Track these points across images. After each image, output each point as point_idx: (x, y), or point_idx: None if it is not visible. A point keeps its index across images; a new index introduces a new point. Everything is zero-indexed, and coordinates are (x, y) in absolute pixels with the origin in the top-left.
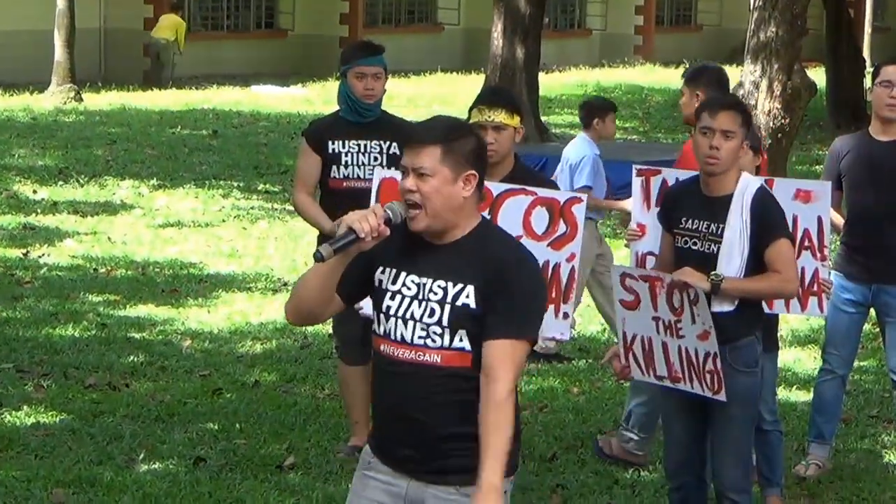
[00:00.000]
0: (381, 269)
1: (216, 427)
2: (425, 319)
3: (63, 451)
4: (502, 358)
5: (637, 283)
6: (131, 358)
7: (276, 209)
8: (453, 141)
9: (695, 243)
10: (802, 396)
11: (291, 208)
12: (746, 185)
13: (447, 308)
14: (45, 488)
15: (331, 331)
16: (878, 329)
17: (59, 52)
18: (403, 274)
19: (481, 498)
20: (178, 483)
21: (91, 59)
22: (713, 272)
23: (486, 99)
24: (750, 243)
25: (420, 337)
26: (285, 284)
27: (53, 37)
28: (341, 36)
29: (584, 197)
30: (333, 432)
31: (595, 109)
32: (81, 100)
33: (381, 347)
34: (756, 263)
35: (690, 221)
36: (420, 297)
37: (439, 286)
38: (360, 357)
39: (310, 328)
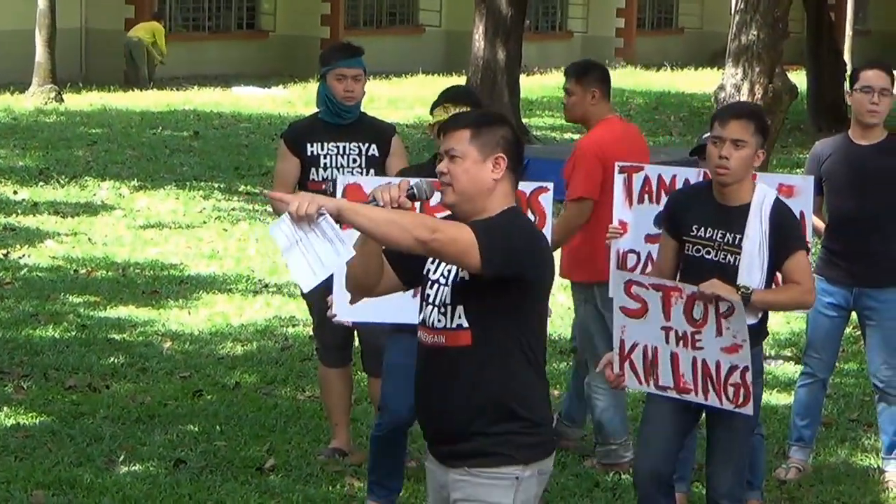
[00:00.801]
0: (430, 258)
1: (196, 429)
2: (440, 302)
3: (43, 452)
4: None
5: (646, 291)
6: (111, 359)
7: (257, 210)
8: (482, 126)
9: (708, 252)
10: (783, 400)
11: (272, 210)
12: (764, 196)
13: (450, 286)
14: (25, 490)
15: (311, 333)
16: (858, 332)
17: (40, 53)
18: (443, 264)
19: None
20: (158, 485)
21: (72, 59)
22: (742, 285)
23: (451, 97)
24: (769, 254)
25: (436, 320)
26: (266, 286)
27: (34, 37)
28: (322, 37)
29: (549, 186)
30: (314, 434)
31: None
32: (62, 100)
33: (418, 334)
34: (771, 274)
35: (703, 230)
36: (446, 283)
37: (454, 268)
38: (340, 360)
39: (290, 329)
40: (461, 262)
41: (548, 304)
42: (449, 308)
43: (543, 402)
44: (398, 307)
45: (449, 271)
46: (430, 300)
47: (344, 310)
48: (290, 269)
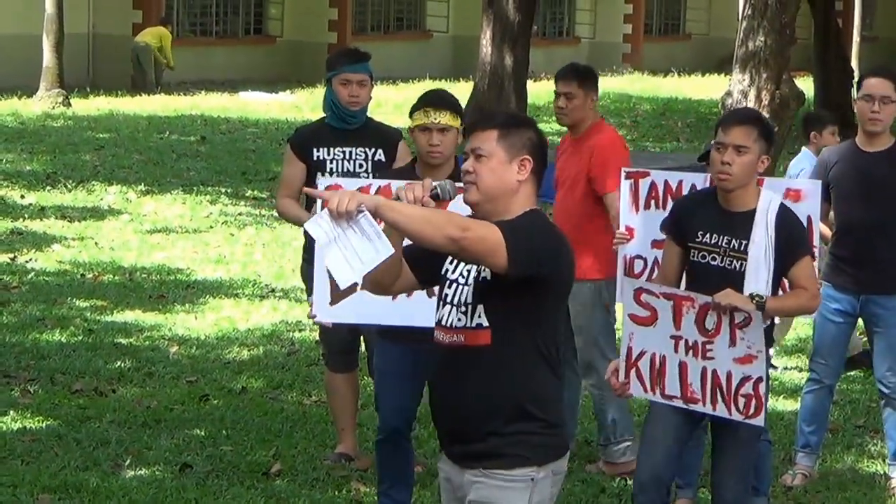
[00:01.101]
0: (449, 258)
1: (203, 433)
2: (459, 302)
3: (49, 456)
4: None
5: (657, 299)
6: (118, 363)
7: (264, 215)
8: (510, 127)
9: (714, 258)
10: (790, 406)
11: (277, 214)
12: (769, 202)
13: (472, 286)
14: (32, 494)
15: (317, 338)
16: (865, 339)
17: (48, 57)
18: (462, 264)
19: None
20: (165, 489)
21: (79, 64)
22: (756, 294)
23: (431, 101)
24: (775, 260)
25: (455, 319)
26: (272, 291)
27: (41, 41)
28: (330, 43)
29: None
30: (320, 439)
31: (811, 122)
32: (70, 105)
33: (435, 334)
34: (777, 280)
35: (709, 236)
36: (466, 282)
37: (474, 268)
38: (346, 365)
39: (296, 334)
40: (488, 261)
41: (566, 305)
42: (469, 307)
43: (558, 404)
44: (378, 309)
45: (468, 271)
46: (449, 300)
47: (324, 311)
48: (328, 266)
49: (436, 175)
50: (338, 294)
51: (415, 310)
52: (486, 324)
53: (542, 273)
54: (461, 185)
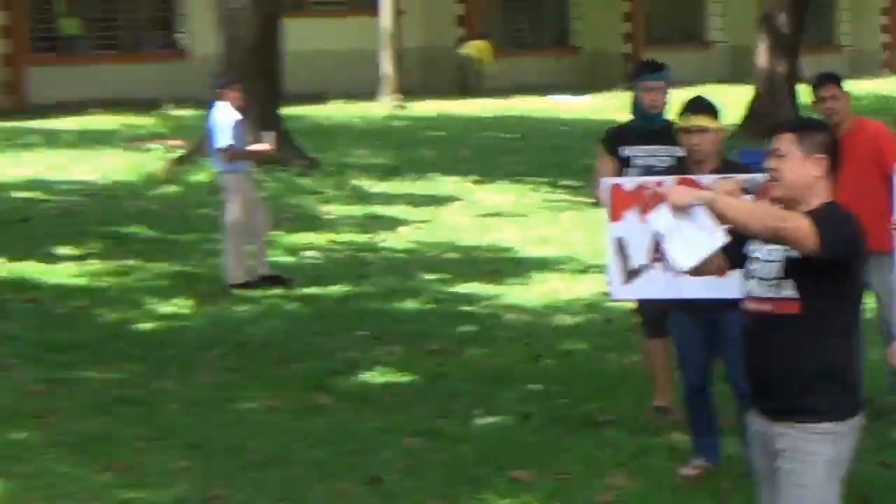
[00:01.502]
0: (749, 241)
1: (539, 388)
2: (767, 276)
3: (411, 406)
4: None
5: None
6: (463, 328)
7: (580, 202)
8: (804, 129)
9: None
10: None
11: (592, 200)
12: None
13: (780, 262)
14: (398, 437)
15: (632, 308)
16: None
17: (387, 67)
18: (767, 244)
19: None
20: (510, 435)
21: (413, 72)
22: None
23: (691, 107)
24: None
25: (765, 291)
26: (590, 267)
27: (378, 54)
28: (625, 52)
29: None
30: (640, 394)
31: None
32: (407, 108)
33: (745, 304)
34: None
35: None
36: (767, 258)
37: (778, 248)
38: (660, 332)
39: (613, 304)
40: (800, 246)
41: (862, 278)
42: (778, 281)
43: (856, 367)
44: (667, 285)
45: (775, 250)
46: (757, 274)
47: (618, 289)
48: (668, 253)
49: (700, 169)
50: (629, 273)
51: (697, 284)
52: (793, 295)
53: (846, 254)
54: (762, 179)
